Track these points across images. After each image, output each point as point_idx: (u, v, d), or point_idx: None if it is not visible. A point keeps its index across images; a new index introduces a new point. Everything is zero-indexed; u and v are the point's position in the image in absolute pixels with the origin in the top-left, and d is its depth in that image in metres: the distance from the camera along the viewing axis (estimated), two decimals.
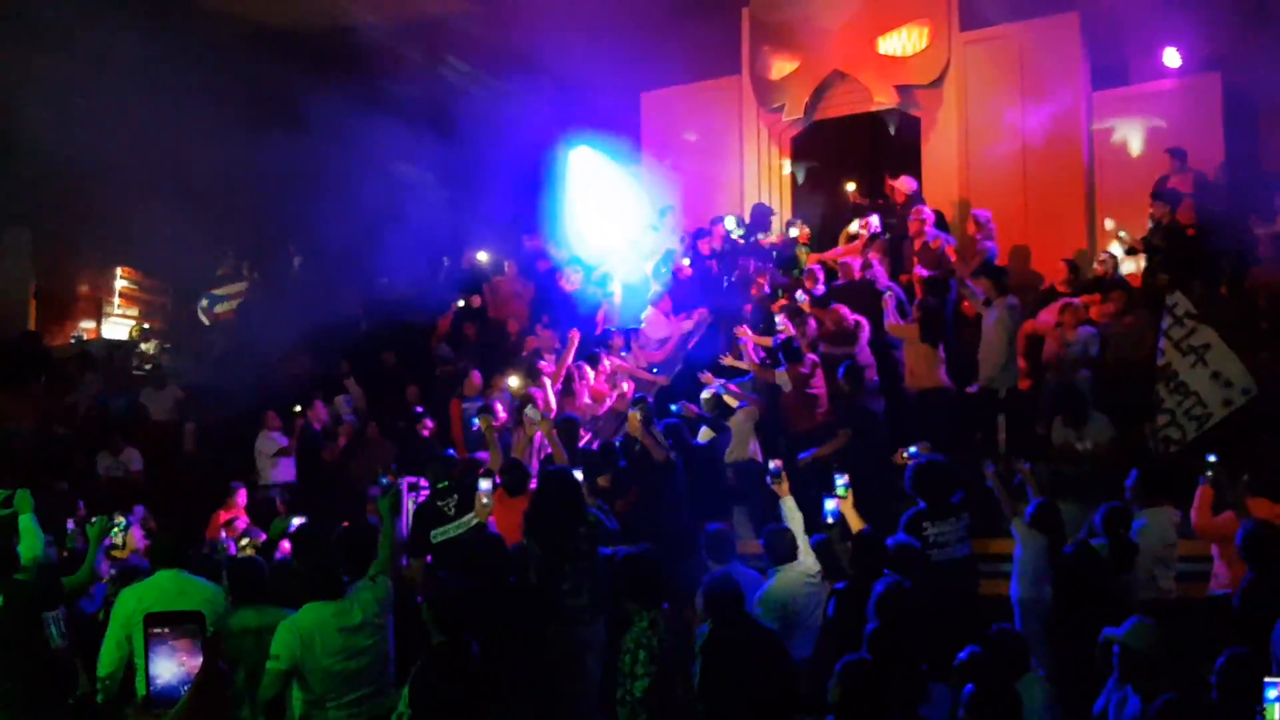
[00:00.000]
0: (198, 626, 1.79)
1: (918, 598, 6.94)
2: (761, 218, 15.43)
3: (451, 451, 10.59)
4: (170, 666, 1.76)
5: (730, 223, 14.99)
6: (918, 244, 13.54)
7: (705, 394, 11.67)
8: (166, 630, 1.77)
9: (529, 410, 10.25)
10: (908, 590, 6.77)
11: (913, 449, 9.13)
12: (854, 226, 14.24)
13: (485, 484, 8.56)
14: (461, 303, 16.02)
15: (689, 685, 6.52)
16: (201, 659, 1.76)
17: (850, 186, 16.00)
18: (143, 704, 1.57)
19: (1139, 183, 13.32)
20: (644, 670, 6.05)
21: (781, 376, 11.59)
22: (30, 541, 7.25)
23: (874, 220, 14.15)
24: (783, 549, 8.18)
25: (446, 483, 9.38)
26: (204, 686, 1.73)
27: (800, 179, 16.67)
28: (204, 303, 20.18)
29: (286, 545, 9.42)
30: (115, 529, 8.50)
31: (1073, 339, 11.85)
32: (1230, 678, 5.18)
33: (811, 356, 11.71)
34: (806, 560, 8.15)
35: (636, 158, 17.34)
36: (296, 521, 9.61)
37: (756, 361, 12.13)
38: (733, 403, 11.65)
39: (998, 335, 11.31)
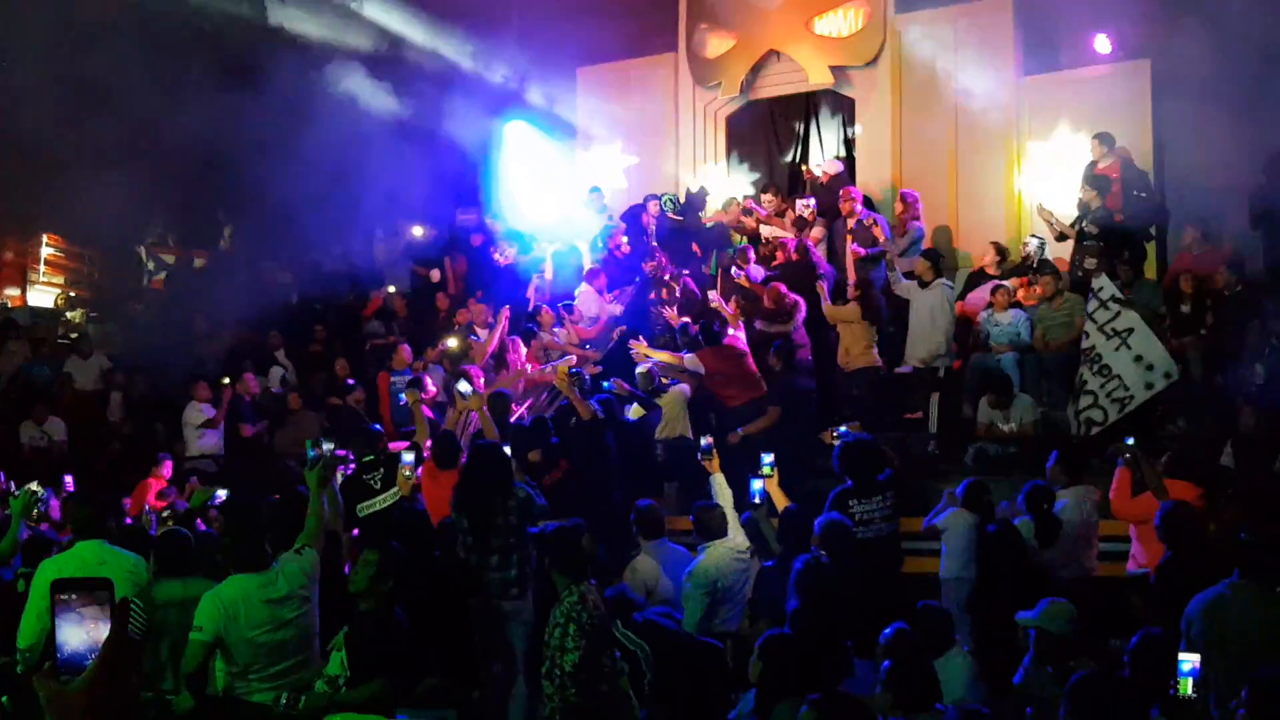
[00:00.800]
0: (106, 594, 1.76)
1: (840, 575, 7.03)
2: (698, 200, 15.46)
3: (377, 426, 10.54)
4: (78, 634, 1.74)
5: (666, 203, 15.00)
6: (850, 223, 13.62)
7: (640, 369, 11.69)
8: (74, 597, 1.75)
9: (461, 385, 10.21)
10: (826, 567, 6.85)
11: (842, 428, 9.22)
12: (798, 208, 14.22)
13: (408, 457, 8.55)
14: (435, 272, 15.82)
15: (614, 661, 6.57)
16: (110, 626, 1.74)
17: (785, 167, 16.07)
18: (49, 671, 1.54)
19: (1068, 167, 13.47)
20: (573, 644, 6.07)
21: (692, 360, 11.59)
22: None
23: (814, 202, 14.20)
24: (712, 525, 8.25)
25: (372, 456, 9.35)
26: (112, 654, 1.71)
27: (735, 157, 16.68)
28: (150, 264, 19.89)
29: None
30: (38, 501, 8.38)
31: (1003, 322, 12.02)
32: (1142, 656, 5.30)
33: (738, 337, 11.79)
34: (736, 537, 8.21)
35: (572, 134, 17.28)
36: (220, 493, 9.53)
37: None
38: (666, 379, 11.70)
39: (938, 316, 11.42)
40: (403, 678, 5.93)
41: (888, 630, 5.97)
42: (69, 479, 10.48)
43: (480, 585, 7.50)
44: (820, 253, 13.48)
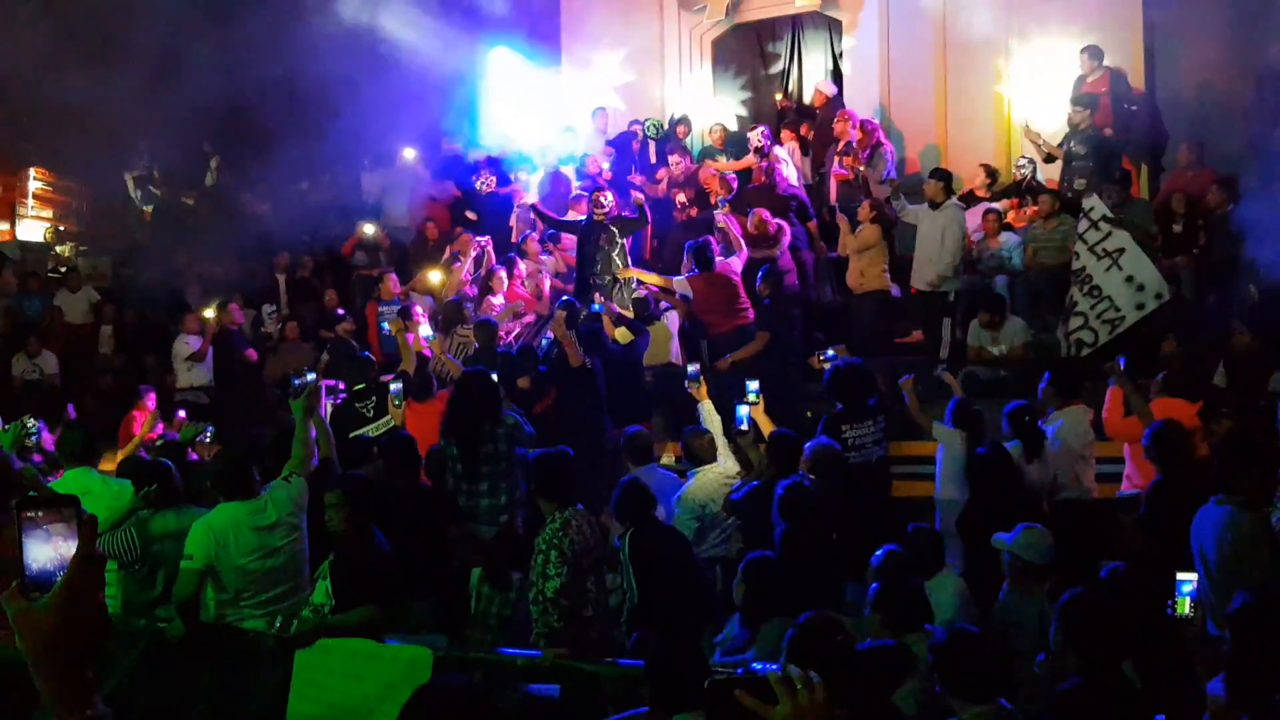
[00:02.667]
0: (73, 510, 1.76)
1: (825, 498, 7.06)
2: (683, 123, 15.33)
3: (367, 354, 10.53)
4: (46, 551, 1.74)
5: (649, 128, 14.89)
6: (840, 145, 13.53)
7: (637, 294, 11.65)
8: (40, 514, 1.75)
9: (424, 332, 10.26)
10: (808, 490, 6.88)
11: (829, 352, 9.21)
12: (752, 138, 14.05)
13: (396, 386, 8.55)
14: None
15: (601, 585, 6.61)
16: (77, 543, 1.74)
17: (778, 96, 15.93)
18: (17, 589, 1.54)
19: (1057, 85, 13.34)
20: (555, 570, 6.10)
21: (681, 284, 11.55)
22: None
23: (756, 135, 13.92)
24: (701, 450, 8.27)
25: (363, 385, 9.36)
26: (80, 570, 1.70)
27: (721, 82, 16.54)
28: (137, 194, 19.75)
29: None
30: (29, 433, 8.39)
31: (996, 245, 11.98)
32: (1130, 581, 5.31)
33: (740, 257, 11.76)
34: (726, 462, 8.24)
35: (557, 60, 17.11)
36: (208, 429, 9.53)
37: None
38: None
39: (948, 237, 11.33)
40: (387, 602, 5.96)
41: (878, 552, 6.01)
42: (71, 409, 10.50)
43: (459, 512, 7.52)
44: (788, 176, 13.36)
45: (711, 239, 11.79)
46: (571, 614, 6.10)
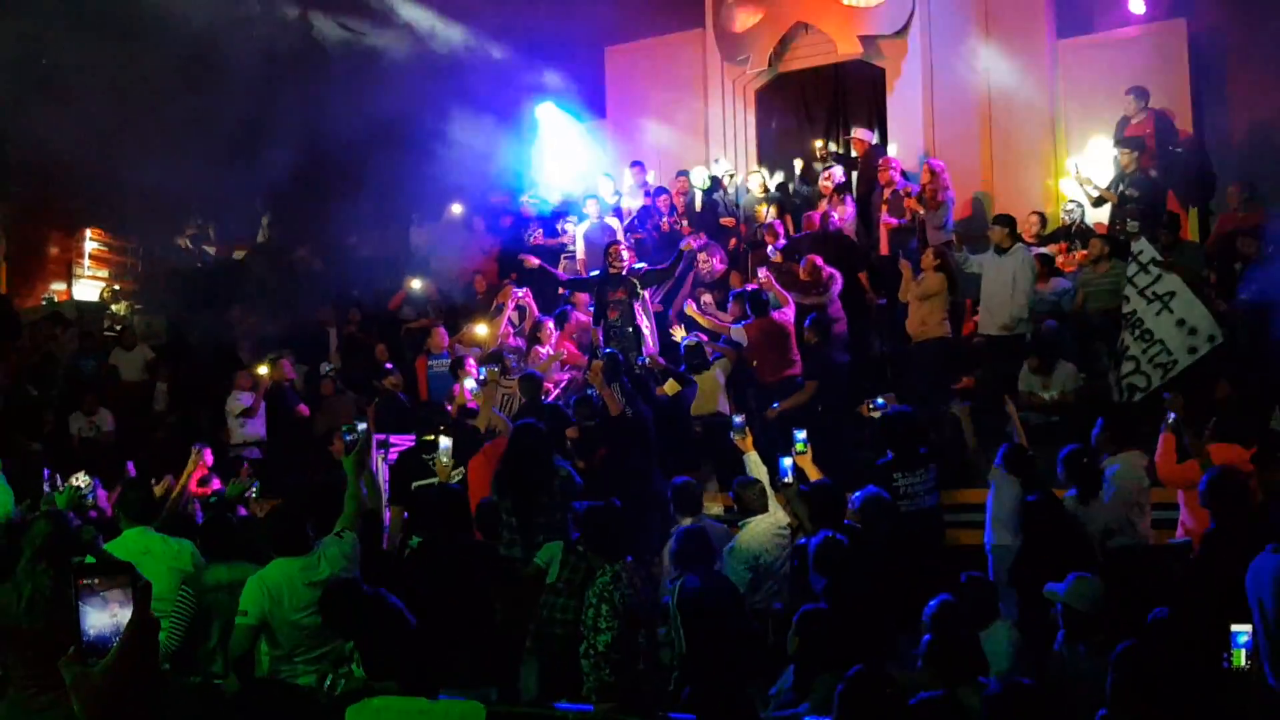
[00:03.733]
0: (128, 577, 1.81)
1: (868, 549, 7.02)
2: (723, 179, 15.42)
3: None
4: (102, 617, 1.78)
5: (697, 177, 14.93)
6: (886, 193, 13.56)
7: (689, 341, 11.66)
8: (97, 581, 1.80)
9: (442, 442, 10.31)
10: (841, 543, 6.83)
11: (879, 400, 9.17)
12: (823, 179, 14.20)
13: (445, 442, 8.56)
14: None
15: (653, 639, 6.59)
16: (132, 609, 1.78)
17: (818, 143, 15.97)
18: (75, 654, 1.58)
19: (1104, 131, 13.34)
20: (606, 624, 6.09)
21: (738, 332, 11.59)
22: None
23: (837, 171, 14.14)
24: (752, 501, 8.25)
25: (433, 436, 9.38)
26: (135, 636, 1.75)
27: (765, 132, 16.62)
28: (191, 249, 20.12)
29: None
30: (84, 493, 8.49)
31: (1046, 289, 11.92)
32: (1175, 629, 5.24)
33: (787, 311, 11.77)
34: (777, 513, 8.20)
35: (601, 113, 17.27)
36: (254, 484, 9.61)
37: (714, 319, 12.16)
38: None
39: (1019, 279, 11.24)
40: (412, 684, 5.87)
41: (931, 603, 5.96)
42: (131, 467, 10.62)
43: (505, 567, 7.49)
44: (849, 228, 13.43)
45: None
46: (623, 668, 6.08)
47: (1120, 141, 12.74)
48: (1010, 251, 11.34)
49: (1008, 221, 11.62)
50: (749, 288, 12.12)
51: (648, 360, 11.32)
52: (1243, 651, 4.85)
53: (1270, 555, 5.74)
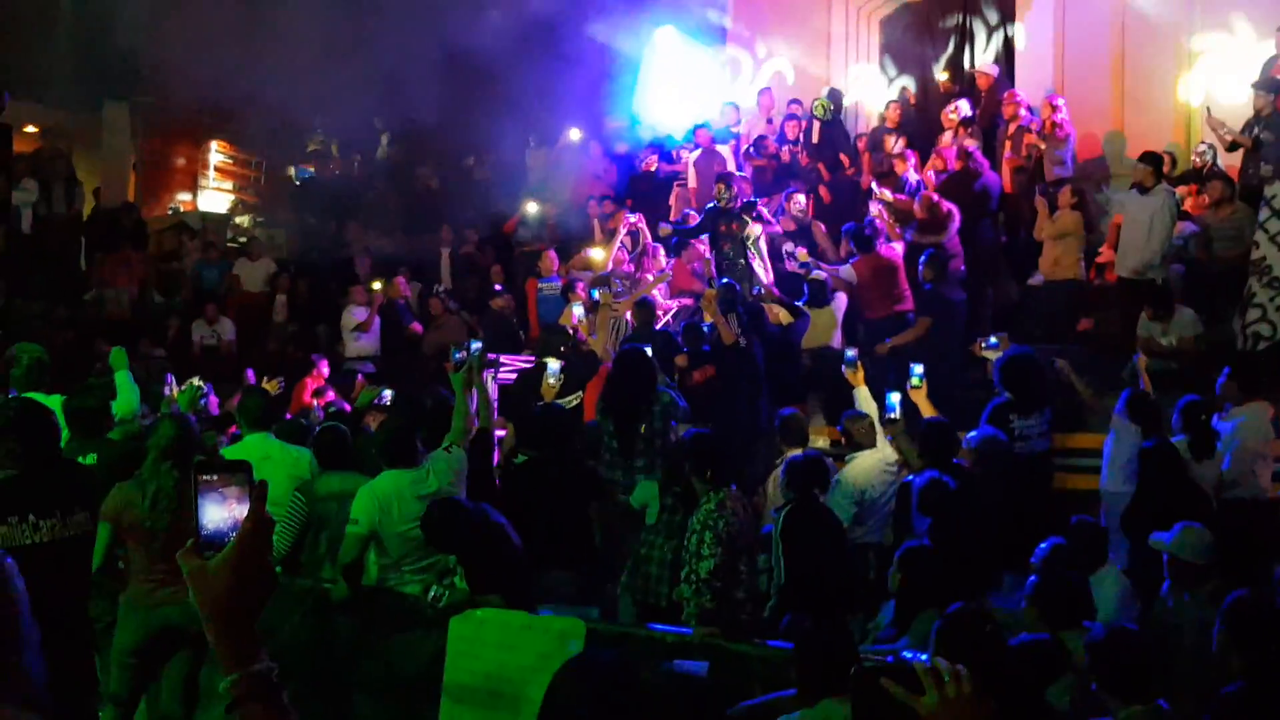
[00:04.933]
0: (245, 475, 1.87)
1: (987, 489, 6.97)
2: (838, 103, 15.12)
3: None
4: (220, 513, 1.85)
5: (818, 108, 14.68)
6: (1011, 128, 13.24)
7: (815, 274, 11.57)
8: (215, 478, 1.86)
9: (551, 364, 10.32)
10: (946, 484, 6.78)
11: (992, 340, 9.04)
12: (948, 113, 13.92)
13: (554, 364, 8.63)
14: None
15: (753, 568, 6.62)
16: (249, 506, 1.84)
17: (943, 76, 15.59)
18: (192, 548, 1.65)
19: (1244, 71, 12.80)
20: (709, 551, 6.11)
21: (847, 270, 11.48)
22: (126, 397, 7.48)
23: (963, 105, 13.83)
24: (860, 435, 8.23)
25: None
26: (251, 532, 1.80)
27: (888, 61, 16.31)
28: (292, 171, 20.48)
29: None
30: (201, 394, 8.74)
31: (1175, 234, 11.57)
32: None
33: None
34: (885, 448, 8.16)
35: (723, 38, 17.06)
36: (386, 393, 9.77)
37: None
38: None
39: (1157, 223, 10.91)
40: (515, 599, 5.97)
41: (1041, 545, 5.91)
42: (250, 375, 10.90)
43: (604, 488, 7.56)
44: (984, 161, 13.12)
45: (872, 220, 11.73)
46: (724, 595, 6.12)
47: (1256, 84, 12.23)
48: (1153, 192, 10.94)
49: (1153, 160, 11.14)
50: (849, 226, 11.92)
51: (762, 291, 11.24)
52: None
53: None
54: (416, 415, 7.83)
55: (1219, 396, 8.31)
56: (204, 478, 1.85)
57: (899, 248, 11.63)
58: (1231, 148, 12.36)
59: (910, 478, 7.60)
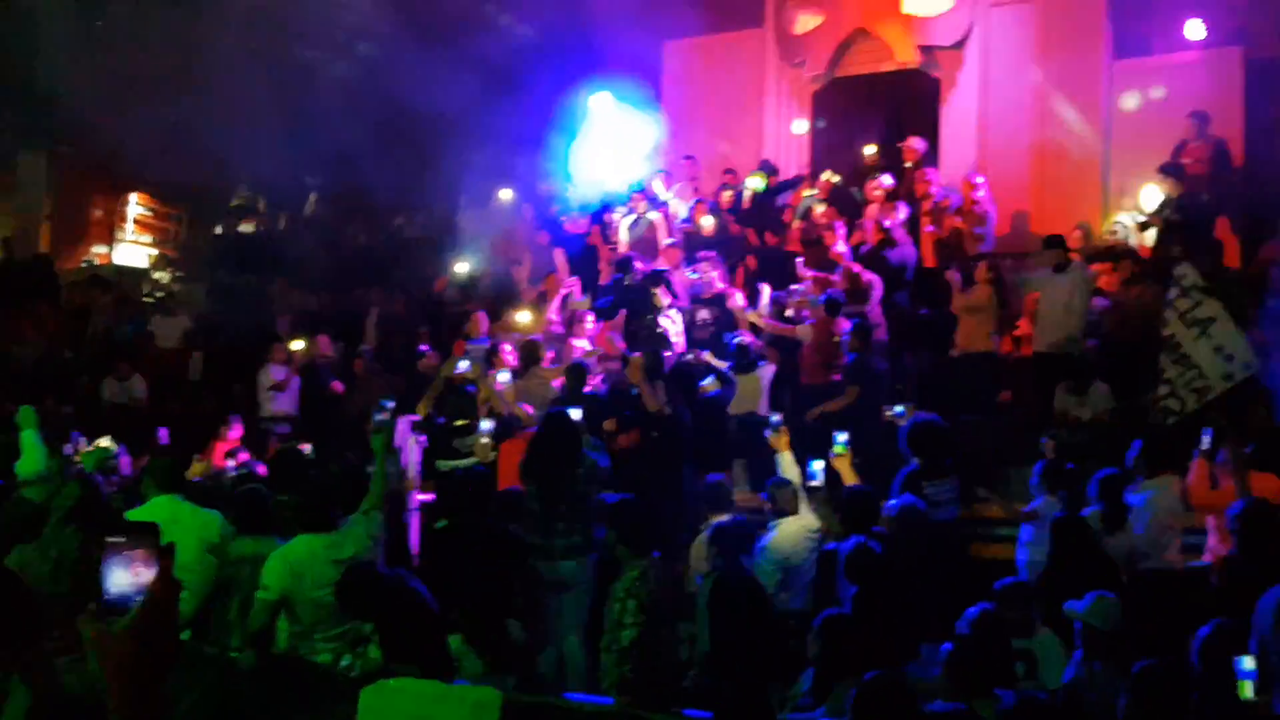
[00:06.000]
0: (154, 538, 1.82)
1: (899, 558, 7.00)
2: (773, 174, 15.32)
3: (472, 388, 10.60)
4: (125, 576, 1.80)
5: (755, 181, 14.86)
6: (926, 205, 13.53)
7: (739, 340, 11.67)
8: (122, 540, 1.81)
9: (461, 364, 10.29)
10: (874, 551, 6.82)
11: (899, 409, 9.12)
12: (871, 186, 14.19)
13: (487, 424, 8.61)
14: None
15: (675, 636, 6.58)
16: (155, 570, 1.79)
17: (870, 150, 15.88)
18: (95, 611, 1.60)
19: (1156, 154, 13.21)
20: (632, 620, 6.08)
21: (804, 330, 11.61)
22: (32, 457, 7.29)
23: (885, 179, 14.11)
24: (785, 502, 8.25)
25: (465, 421, 9.42)
26: (157, 596, 1.76)
27: (820, 135, 16.57)
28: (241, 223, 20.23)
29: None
30: (110, 456, 8.57)
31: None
32: (1211, 649, 5.20)
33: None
34: (808, 515, 8.20)
35: (656, 106, 17.24)
36: (303, 448, 9.64)
37: (772, 320, 12.13)
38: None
39: (1075, 298, 11.17)
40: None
41: (970, 611, 5.92)
42: (164, 434, 10.67)
43: (527, 553, 7.49)
44: (902, 234, 13.35)
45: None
46: (644, 664, 6.07)
47: (1162, 168, 12.66)
48: (1068, 271, 11.27)
49: (1057, 242, 11.55)
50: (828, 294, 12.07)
51: (691, 357, 11.31)
52: (1248, 683, 4.79)
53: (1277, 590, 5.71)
54: (333, 479, 7.71)
55: (1130, 470, 8.46)
56: (112, 540, 1.81)
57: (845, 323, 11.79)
58: (1144, 227, 12.70)
59: (832, 545, 7.63)
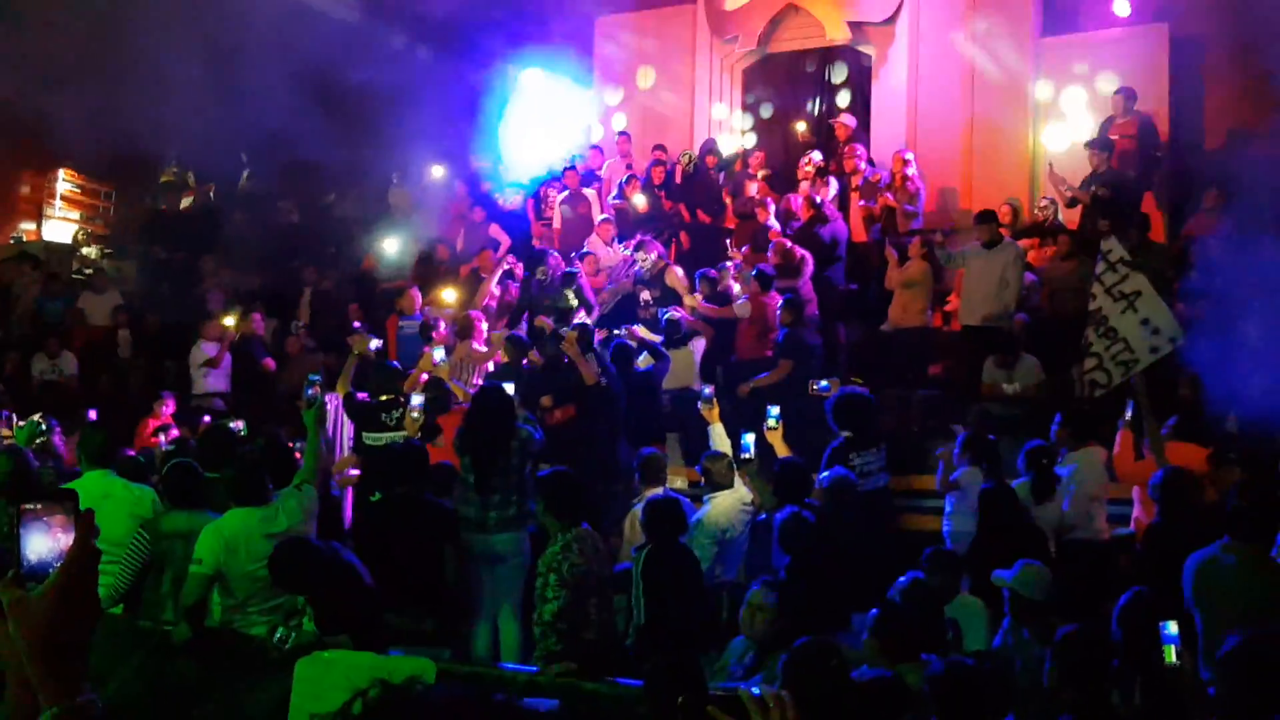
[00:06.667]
0: (72, 504, 1.83)
1: (832, 528, 7.09)
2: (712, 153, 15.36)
3: (395, 363, 10.56)
4: (45, 542, 1.80)
5: (684, 158, 14.93)
6: (855, 180, 13.66)
7: (669, 315, 11.73)
8: (39, 507, 1.81)
9: (436, 352, 10.24)
10: (808, 520, 6.91)
11: (823, 383, 9.18)
12: (803, 163, 14.32)
13: (417, 399, 8.59)
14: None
15: (606, 608, 6.63)
16: (74, 535, 1.80)
17: (801, 126, 15.99)
18: (14, 579, 1.60)
19: (1085, 130, 13.41)
20: (554, 594, 6.14)
21: (742, 306, 11.71)
22: None
23: (816, 155, 14.23)
24: (719, 475, 8.30)
25: (390, 395, 9.38)
26: (75, 561, 1.76)
27: (751, 111, 16.64)
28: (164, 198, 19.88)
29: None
30: (42, 433, 8.47)
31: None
32: (1130, 615, 5.32)
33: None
34: (741, 488, 8.26)
35: (588, 83, 17.23)
36: (235, 424, 9.56)
37: (708, 304, 12.18)
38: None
39: (1011, 273, 11.28)
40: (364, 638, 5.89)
41: (901, 579, 6.00)
42: (93, 413, 10.54)
43: (459, 526, 7.51)
44: (833, 210, 13.45)
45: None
46: (570, 636, 6.12)
47: (1089, 143, 12.84)
48: (1000, 247, 11.37)
49: (990, 218, 11.67)
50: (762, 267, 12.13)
51: (625, 332, 11.35)
52: (1172, 648, 4.90)
53: (1206, 550, 5.86)
54: (265, 453, 7.68)
55: (1054, 443, 8.61)
56: (27, 507, 1.81)
57: (776, 297, 11.88)
58: (1071, 203, 12.89)
59: (763, 516, 7.71)
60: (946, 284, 12.72)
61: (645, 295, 12.73)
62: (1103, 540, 8.39)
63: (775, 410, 8.42)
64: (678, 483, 10.03)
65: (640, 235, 13.42)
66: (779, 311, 11.24)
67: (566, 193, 14.99)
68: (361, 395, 9.60)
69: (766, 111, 16.49)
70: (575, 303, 12.14)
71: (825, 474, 7.93)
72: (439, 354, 10.34)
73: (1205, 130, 13.83)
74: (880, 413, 8.95)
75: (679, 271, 12.78)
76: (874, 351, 12.48)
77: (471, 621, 7.38)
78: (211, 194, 19.39)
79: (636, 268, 13.01)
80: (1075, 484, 8.26)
